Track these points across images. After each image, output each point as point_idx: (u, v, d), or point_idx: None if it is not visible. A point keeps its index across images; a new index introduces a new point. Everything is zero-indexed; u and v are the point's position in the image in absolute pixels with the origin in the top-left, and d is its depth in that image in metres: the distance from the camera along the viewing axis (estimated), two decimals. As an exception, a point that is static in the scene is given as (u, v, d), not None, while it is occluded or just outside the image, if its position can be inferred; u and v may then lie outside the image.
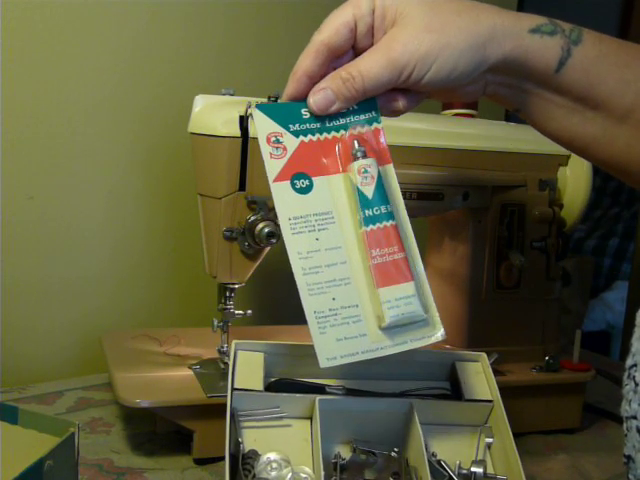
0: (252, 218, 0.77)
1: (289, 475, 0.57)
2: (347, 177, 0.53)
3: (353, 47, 0.54)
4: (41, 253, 0.99)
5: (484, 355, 0.66)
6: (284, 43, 1.14)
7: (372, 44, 0.53)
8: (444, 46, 0.50)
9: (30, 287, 0.99)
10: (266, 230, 0.76)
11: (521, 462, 0.58)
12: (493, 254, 0.89)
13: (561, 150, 0.93)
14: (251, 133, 0.75)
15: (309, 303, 0.51)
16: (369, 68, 0.51)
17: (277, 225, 0.77)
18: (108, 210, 1.03)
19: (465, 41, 0.51)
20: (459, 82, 0.53)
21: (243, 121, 0.75)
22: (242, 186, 0.77)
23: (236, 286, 0.81)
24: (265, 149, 0.53)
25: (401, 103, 0.55)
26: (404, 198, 0.82)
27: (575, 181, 0.94)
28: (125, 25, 1.00)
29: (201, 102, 0.78)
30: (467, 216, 0.90)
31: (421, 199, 0.84)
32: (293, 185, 0.52)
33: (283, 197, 0.52)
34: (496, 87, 0.56)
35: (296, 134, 0.53)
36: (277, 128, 0.53)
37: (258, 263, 0.81)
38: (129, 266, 1.06)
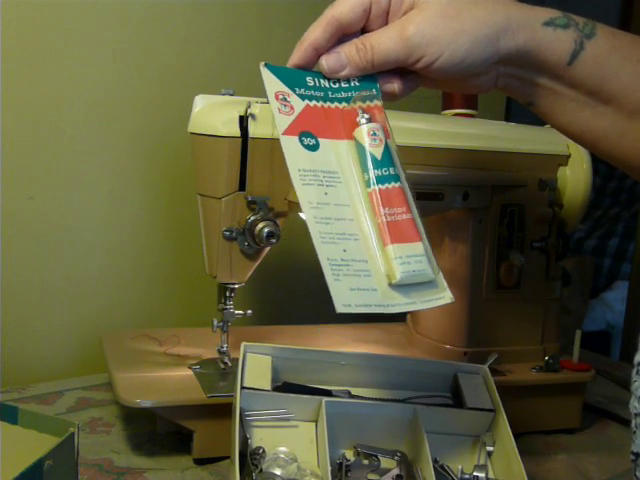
0: (252, 218, 0.77)
1: (296, 471, 0.57)
2: (351, 144, 0.54)
3: (363, 28, 0.54)
4: (41, 253, 0.99)
5: (485, 368, 0.66)
6: (284, 43, 1.13)
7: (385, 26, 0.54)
8: (458, 32, 0.51)
9: (30, 287, 0.99)
10: (266, 230, 0.76)
11: (521, 463, 0.59)
12: (493, 254, 0.89)
13: (561, 150, 0.93)
14: (251, 133, 0.75)
15: (323, 250, 0.50)
16: (380, 42, 0.52)
17: (277, 225, 0.77)
18: (108, 210, 1.03)
19: (480, 30, 0.51)
20: (471, 71, 0.53)
21: (243, 121, 0.75)
22: (242, 186, 0.77)
23: (236, 286, 0.81)
24: (274, 104, 0.53)
25: (396, 85, 0.55)
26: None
27: (575, 181, 0.94)
28: (125, 25, 1.00)
29: (201, 102, 0.78)
30: (467, 216, 0.89)
31: (421, 199, 0.84)
32: (301, 141, 0.53)
33: (292, 150, 0.52)
34: (508, 79, 0.56)
35: (302, 97, 0.54)
36: (284, 88, 0.54)
37: (258, 263, 0.81)
38: (129, 266, 1.06)
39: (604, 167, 2.44)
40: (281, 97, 0.53)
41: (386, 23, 0.54)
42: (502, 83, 0.56)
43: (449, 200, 0.86)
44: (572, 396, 0.90)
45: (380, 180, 0.52)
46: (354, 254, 0.50)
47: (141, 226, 1.06)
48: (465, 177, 0.87)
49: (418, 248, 0.52)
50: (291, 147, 0.52)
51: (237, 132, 0.75)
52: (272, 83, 0.54)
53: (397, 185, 0.53)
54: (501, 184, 0.89)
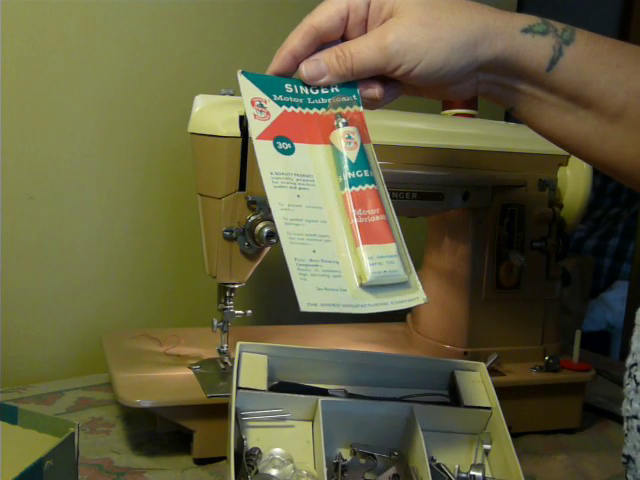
0: (252, 218, 0.77)
1: (292, 472, 0.57)
2: (328, 149, 0.54)
3: (342, 36, 0.55)
4: (41, 253, 0.99)
5: (482, 365, 0.66)
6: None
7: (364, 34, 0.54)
8: (435, 40, 0.51)
9: (30, 287, 0.99)
10: (266, 230, 0.76)
11: (521, 462, 0.59)
12: (493, 254, 0.89)
13: (561, 150, 0.93)
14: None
15: (290, 251, 0.50)
16: (360, 50, 0.53)
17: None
18: (108, 210, 1.03)
19: (457, 37, 0.52)
20: (450, 79, 0.54)
21: (243, 121, 0.75)
22: (242, 186, 0.77)
23: (236, 286, 0.82)
24: (249, 110, 0.53)
25: (377, 91, 0.56)
26: (404, 198, 0.83)
27: (575, 181, 0.94)
28: (125, 25, 1.00)
29: (201, 102, 0.78)
30: (467, 216, 0.89)
31: (421, 199, 0.84)
32: (275, 145, 0.53)
33: (265, 153, 0.52)
34: (488, 86, 0.56)
35: (279, 103, 0.54)
36: (261, 95, 0.54)
37: (258, 263, 0.81)
38: (129, 266, 1.06)
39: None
40: (257, 103, 0.54)
41: (365, 31, 0.54)
42: (483, 90, 0.57)
43: (449, 200, 0.86)
44: (572, 396, 0.90)
45: (354, 182, 0.52)
46: (324, 255, 0.50)
47: (141, 226, 1.06)
48: (465, 177, 0.87)
49: (390, 249, 0.52)
50: (264, 151, 0.52)
51: (237, 132, 0.75)
52: (249, 90, 0.54)
53: (371, 187, 0.53)
54: (501, 184, 0.89)
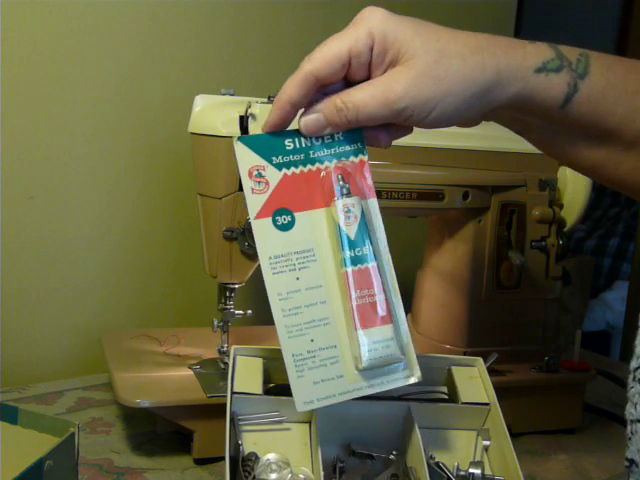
0: (252, 218, 0.77)
1: (289, 476, 0.57)
2: (330, 211, 0.53)
3: (345, 77, 0.51)
4: (41, 252, 0.99)
5: (480, 360, 0.66)
6: (284, 43, 1.14)
7: (367, 77, 0.51)
8: (446, 94, 0.49)
9: (30, 286, 0.99)
10: (266, 230, 0.76)
11: (521, 462, 0.59)
12: (493, 254, 0.89)
13: (561, 150, 0.93)
14: (251, 133, 0.75)
15: (288, 346, 0.51)
16: (365, 104, 0.50)
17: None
18: (108, 210, 1.03)
19: (468, 89, 0.50)
20: (459, 122, 0.53)
21: (243, 121, 0.75)
22: (242, 186, 0.77)
23: (236, 286, 0.82)
24: (247, 184, 0.52)
25: (382, 140, 0.54)
26: (404, 199, 0.83)
27: (575, 181, 0.94)
28: (126, 25, 1.00)
29: (201, 102, 0.78)
30: (467, 216, 0.90)
31: (421, 199, 0.84)
32: (275, 222, 0.52)
33: (264, 235, 0.52)
34: (497, 116, 0.55)
35: (279, 167, 0.53)
36: (259, 161, 0.52)
37: (258, 263, 0.81)
38: (129, 266, 1.06)
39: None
40: (255, 173, 0.52)
41: (368, 73, 0.51)
42: (491, 117, 0.56)
43: (449, 200, 0.86)
44: (572, 396, 0.90)
45: (353, 261, 0.52)
46: (322, 341, 0.51)
47: (141, 226, 1.06)
48: (465, 177, 0.87)
49: (387, 331, 0.52)
50: (263, 232, 0.52)
51: (237, 132, 0.75)
52: (246, 158, 0.52)
53: (370, 265, 0.52)
54: (501, 184, 0.89)
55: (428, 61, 0.49)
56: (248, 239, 0.78)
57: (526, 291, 0.91)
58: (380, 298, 0.52)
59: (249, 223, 0.77)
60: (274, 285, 0.51)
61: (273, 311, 0.51)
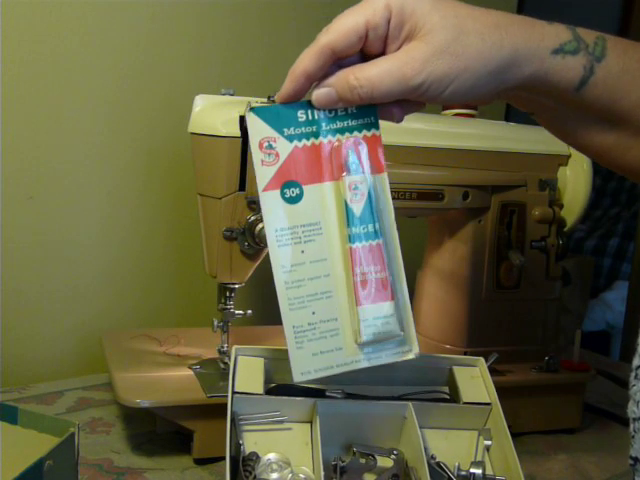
0: (252, 218, 0.77)
1: (289, 476, 0.57)
2: (338, 186, 0.53)
3: (361, 50, 0.51)
4: (41, 253, 0.99)
5: (481, 359, 0.66)
6: (284, 43, 1.14)
7: (383, 51, 0.51)
8: (462, 71, 0.49)
9: (30, 287, 0.99)
10: (266, 230, 0.76)
11: (521, 462, 0.59)
12: (493, 254, 0.89)
13: (561, 150, 0.93)
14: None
15: (289, 318, 0.51)
16: (381, 79, 0.49)
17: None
18: (108, 210, 1.03)
19: (485, 67, 0.49)
20: (474, 99, 0.53)
21: (243, 121, 0.75)
22: (242, 186, 0.77)
23: (236, 286, 0.81)
24: (257, 155, 0.52)
25: (396, 115, 0.53)
26: (404, 199, 0.84)
27: (575, 181, 0.94)
28: (126, 26, 1.00)
29: (201, 102, 0.78)
30: (467, 216, 0.90)
31: (421, 199, 0.84)
32: (283, 194, 0.52)
33: (272, 207, 0.52)
34: (511, 95, 0.55)
35: (290, 139, 0.52)
36: (271, 132, 0.52)
37: (258, 263, 0.81)
38: (129, 266, 1.06)
39: (604, 167, 2.44)
40: (266, 145, 0.52)
41: (384, 46, 0.50)
42: (504, 97, 0.55)
43: (449, 200, 0.86)
44: (572, 396, 0.90)
45: (358, 238, 0.52)
46: (323, 314, 0.52)
47: (141, 226, 1.06)
48: (465, 177, 0.87)
49: (388, 308, 0.52)
50: (271, 204, 0.52)
51: (237, 132, 0.75)
52: (257, 129, 0.52)
53: (375, 242, 0.52)
54: (501, 184, 0.89)
55: (446, 37, 0.48)
56: (248, 239, 0.78)
57: (526, 291, 0.91)
58: (382, 275, 0.52)
59: (249, 223, 0.77)
60: (278, 257, 0.51)
61: (276, 283, 0.51)
